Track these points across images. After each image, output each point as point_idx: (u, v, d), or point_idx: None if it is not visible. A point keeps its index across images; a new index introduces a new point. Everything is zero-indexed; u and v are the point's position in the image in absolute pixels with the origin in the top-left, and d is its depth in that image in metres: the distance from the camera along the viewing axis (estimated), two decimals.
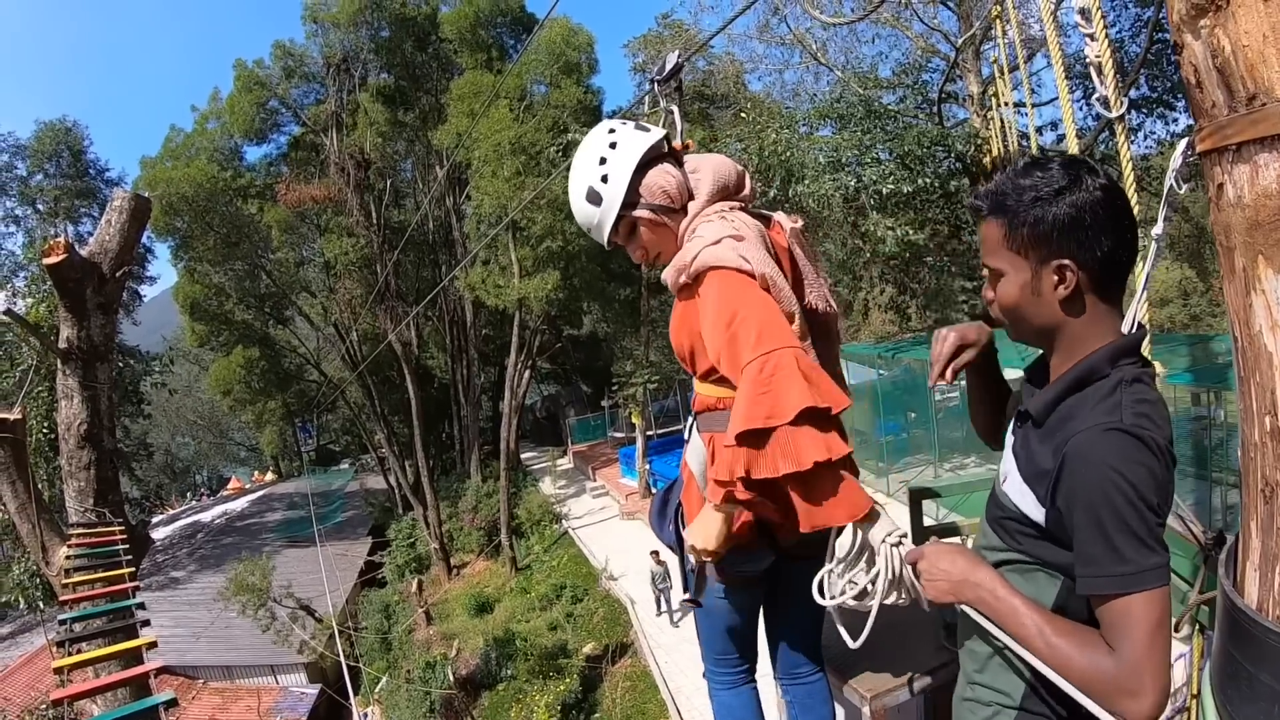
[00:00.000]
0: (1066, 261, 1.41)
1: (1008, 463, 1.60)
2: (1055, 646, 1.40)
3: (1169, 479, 1.33)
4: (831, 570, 1.88)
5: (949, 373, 1.86)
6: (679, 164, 2.17)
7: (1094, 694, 1.34)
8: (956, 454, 15.64)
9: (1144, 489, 1.29)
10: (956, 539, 2.94)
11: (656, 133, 2.13)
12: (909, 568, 1.72)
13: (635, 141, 2.09)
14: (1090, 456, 1.33)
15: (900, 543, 1.75)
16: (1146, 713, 1.29)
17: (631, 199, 2.11)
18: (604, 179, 2.11)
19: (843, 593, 1.82)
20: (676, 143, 2.23)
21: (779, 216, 2.20)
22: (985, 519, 1.71)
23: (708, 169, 2.14)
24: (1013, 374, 1.94)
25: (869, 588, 1.78)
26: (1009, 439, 1.64)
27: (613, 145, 2.10)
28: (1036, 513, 1.48)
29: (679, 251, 2.06)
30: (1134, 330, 1.55)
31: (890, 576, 1.74)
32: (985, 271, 1.57)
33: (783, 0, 18.79)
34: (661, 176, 2.11)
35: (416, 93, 27.22)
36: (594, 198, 2.15)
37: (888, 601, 1.77)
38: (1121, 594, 1.31)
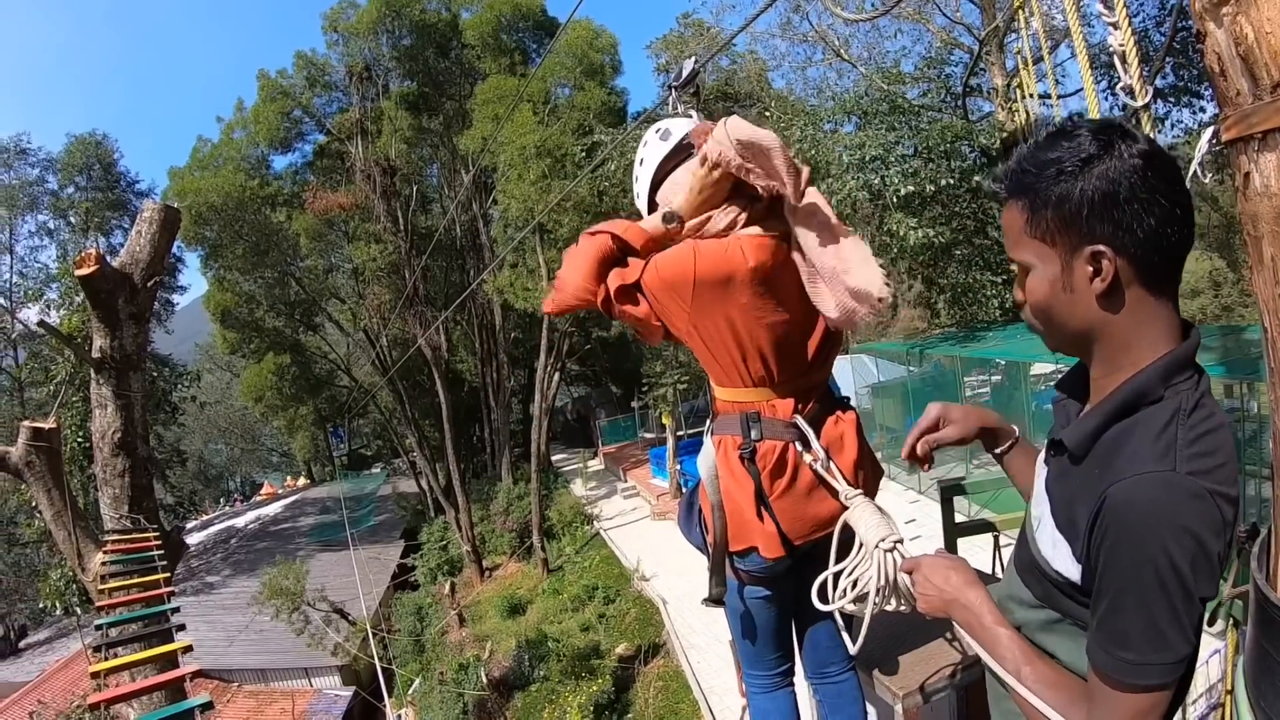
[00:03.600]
0: (1102, 247, 1.15)
1: (1039, 504, 1.37)
2: (1030, 688, 1.28)
3: (1225, 539, 1.10)
4: (834, 573, 1.85)
5: (918, 449, 1.71)
6: None
7: None
8: (986, 452, 15.51)
9: (1186, 566, 1.07)
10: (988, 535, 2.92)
11: (675, 137, 2.23)
12: (905, 576, 1.68)
13: (653, 154, 2.25)
14: (1129, 516, 1.11)
15: (894, 548, 1.73)
16: None
17: (652, 207, 2.26)
18: (637, 195, 2.34)
19: (842, 596, 1.79)
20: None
21: None
22: (1013, 564, 1.50)
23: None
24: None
25: (866, 592, 1.75)
26: (1040, 469, 1.42)
27: (641, 161, 2.28)
28: (1072, 569, 1.26)
29: None
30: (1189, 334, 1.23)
31: (882, 582, 1.72)
32: (1013, 267, 1.32)
33: None
34: (671, 186, 2.20)
35: (440, 99, 27.28)
36: (634, 198, 2.37)
37: (888, 609, 1.74)
38: (1116, 680, 1.15)
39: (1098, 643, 1.17)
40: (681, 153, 2.20)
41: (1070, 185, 1.15)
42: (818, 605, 1.82)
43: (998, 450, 1.76)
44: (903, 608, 1.74)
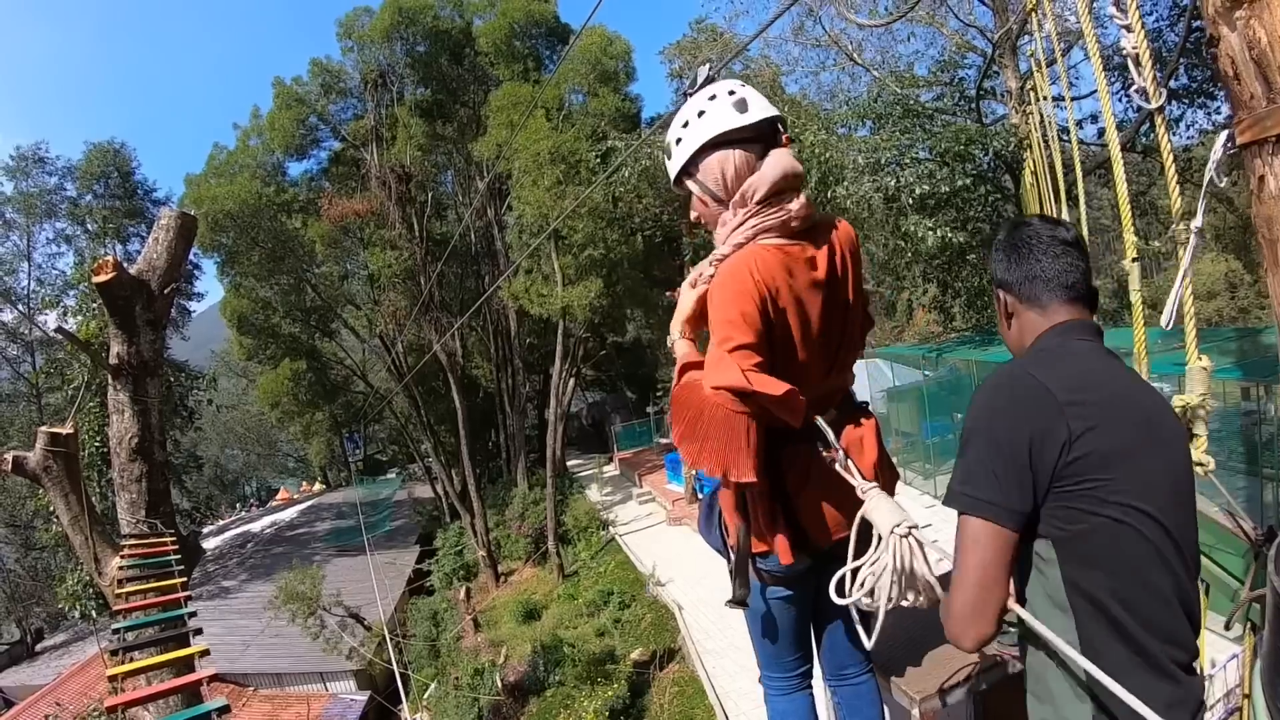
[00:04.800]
0: (998, 288, 1.78)
1: None
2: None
3: (1047, 414, 1.47)
4: (853, 568, 1.85)
5: None
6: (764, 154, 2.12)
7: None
8: None
9: (993, 420, 1.53)
10: None
11: (749, 117, 2.08)
12: (921, 560, 1.71)
13: (718, 121, 2.08)
14: (976, 391, 1.63)
15: (909, 533, 1.73)
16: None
17: (690, 170, 2.16)
18: (678, 140, 2.16)
19: (859, 589, 1.79)
20: (786, 136, 2.18)
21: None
22: None
23: (769, 174, 2.07)
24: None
25: (879, 585, 1.75)
26: None
27: (700, 114, 2.11)
28: None
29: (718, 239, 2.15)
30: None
31: (899, 569, 1.71)
32: None
33: (817, 2, 18.69)
34: (723, 163, 2.10)
35: (454, 105, 27.39)
36: (668, 151, 2.22)
37: (904, 603, 1.74)
38: (955, 506, 1.54)
39: (949, 487, 1.59)
40: (746, 135, 2.09)
41: (993, 253, 1.81)
42: (835, 599, 1.82)
43: None
44: (920, 601, 1.74)
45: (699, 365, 1.94)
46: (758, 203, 2.06)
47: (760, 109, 2.08)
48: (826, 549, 2.18)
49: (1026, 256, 1.71)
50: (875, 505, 1.83)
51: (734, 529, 2.24)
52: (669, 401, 1.97)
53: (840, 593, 1.82)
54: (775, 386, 1.83)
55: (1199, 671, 1.55)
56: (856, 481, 1.96)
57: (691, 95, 2.24)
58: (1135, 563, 1.45)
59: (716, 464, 1.88)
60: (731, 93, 2.10)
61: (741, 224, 2.08)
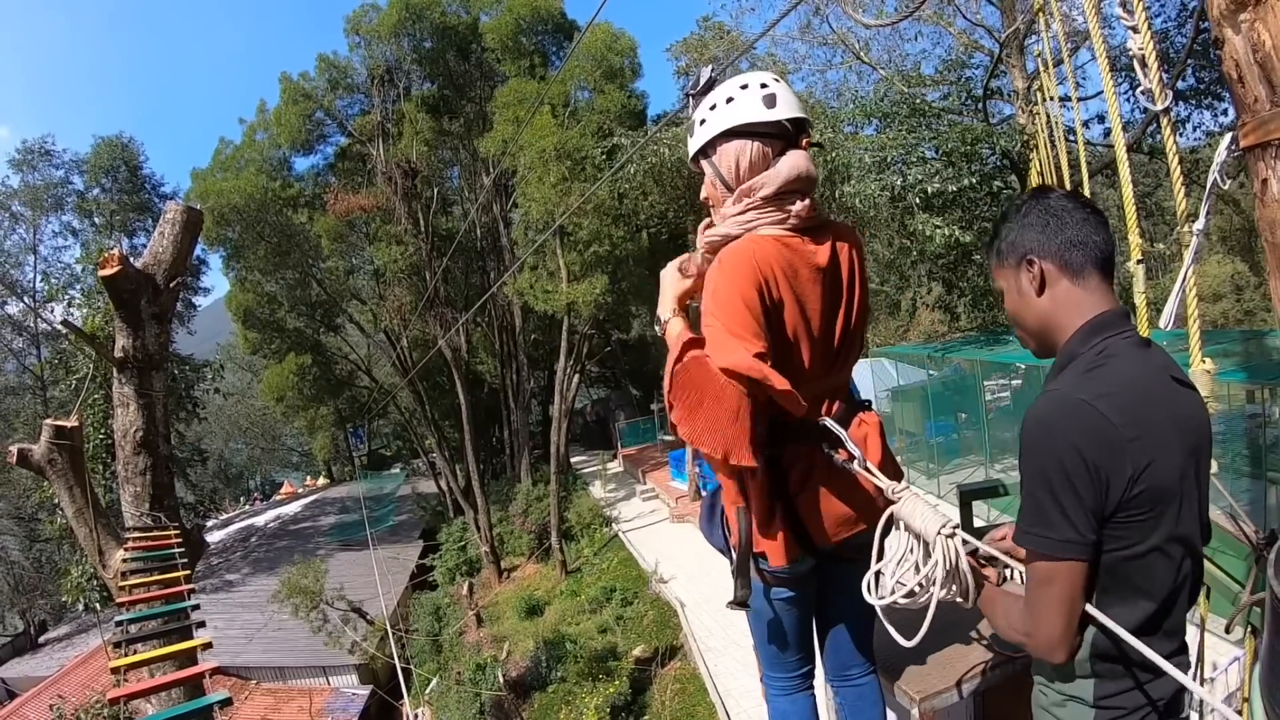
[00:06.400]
0: (1027, 254, 1.65)
1: None
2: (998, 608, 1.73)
3: (1104, 444, 1.44)
4: (880, 569, 1.85)
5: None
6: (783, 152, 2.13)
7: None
8: (1008, 455, 15.40)
9: (1061, 458, 1.45)
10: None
11: (775, 114, 2.08)
12: (965, 559, 1.72)
13: (744, 111, 2.09)
14: (1025, 423, 1.52)
15: (955, 533, 1.73)
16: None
17: (708, 151, 2.18)
18: (703, 121, 2.17)
19: (893, 591, 1.80)
20: (806, 140, 2.17)
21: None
22: None
23: (781, 174, 2.08)
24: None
25: (923, 583, 1.76)
26: None
27: (729, 100, 2.12)
28: None
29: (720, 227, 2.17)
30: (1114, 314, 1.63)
31: (949, 568, 1.73)
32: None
33: (824, 1, 18.68)
34: (740, 152, 2.12)
35: (460, 101, 27.39)
36: (691, 129, 2.24)
37: (942, 595, 1.75)
38: (1029, 551, 1.54)
39: (1018, 525, 1.57)
40: (769, 130, 2.11)
41: (1010, 227, 1.70)
42: (869, 600, 1.83)
43: None
44: (956, 596, 1.76)
45: (700, 344, 1.94)
46: (762, 199, 2.07)
47: (788, 108, 2.09)
48: (829, 549, 2.18)
49: (1066, 223, 1.62)
50: (911, 507, 1.83)
51: (736, 528, 2.24)
52: (667, 379, 1.94)
53: (870, 592, 1.84)
54: (780, 380, 1.84)
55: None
56: (884, 483, 1.96)
57: (694, 96, 2.24)
58: (1165, 590, 1.54)
59: (718, 444, 1.88)
60: (764, 85, 2.10)
61: (739, 215, 2.11)
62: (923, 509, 1.81)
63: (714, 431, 1.88)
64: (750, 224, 2.08)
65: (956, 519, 1.82)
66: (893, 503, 1.89)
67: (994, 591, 1.78)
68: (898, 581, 1.80)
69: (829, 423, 2.08)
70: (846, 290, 2.18)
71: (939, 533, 1.73)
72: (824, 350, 2.15)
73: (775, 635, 2.46)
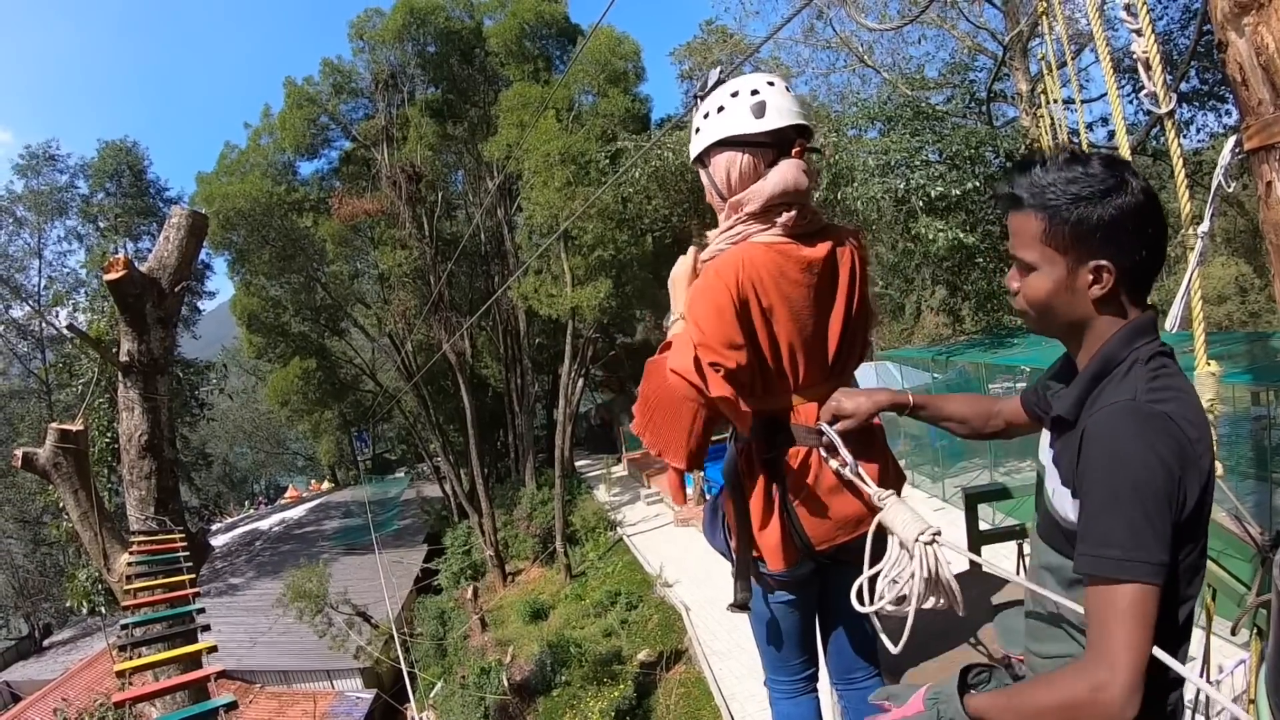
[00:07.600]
0: (1105, 262, 1.41)
1: (1050, 478, 1.55)
2: (1025, 701, 1.39)
3: (1183, 459, 1.30)
4: (870, 576, 1.85)
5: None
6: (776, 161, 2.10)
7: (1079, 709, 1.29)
8: (1011, 457, 15.38)
9: (1151, 472, 1.28)
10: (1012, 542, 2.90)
11: (763, 125, 2.05)
12: (945, 566, 1.71)
13: (731, 123, 2.07)
14: (1102, 435, 1.34)
15: (934, 541, 1.73)
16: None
17: (704, 159, 2.17)
18: (697, 130, 2.17)
19: (882, 597, 1.79)
20: (798, 148, 2.12)
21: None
22: (1037, 534, 1.66)
23: (766, 189, 2.06)
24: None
25: (907, 591, 1.75)
26: (1048, 451, 1.59)
27: (720, 109, 2.10)
28: (1075, 513, 1.41)
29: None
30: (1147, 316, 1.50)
31: (926, 575, 1.72)
32: (1014, 261, 1.55)
33: (828, 4, 18.68)
34: (730, 164, 2.10)
35: (465, 106, 27.43)
36: (692, 132, 2.22)
37: (926, 606, 1.74)
38: (1106, 577, 1.30)
39: (1086, 549, 1.34)
40: (760, 140, 2.07)
41: (1089, 210, 1.40)
42: (858, 608, 1.81)
43: (904, 414, 2.17)
44: (943, 604, 1.75)
45: None
46: (749, 214, 2.08)
47: (777, 117, 2.05)
48: (830, 553, 2.18)
49: (1155, 242, 1.43)
50: (895, 513, 1.83)
51: (737, 532, 2.24)
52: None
53: (860, 600, 1.82)
54: (718, 386, 1.88)
55: None
56: (871, 489, 1.96)
57: (703, 98, 2.24)
58: (1190, 600, 1.47)
59: (655, 441, 1.96)
60: (755, 93, 2.07)
61: (729, 230, 2.13)
62: (905, 515, 1.80)
63: (654, 429, 1.96)
64: (738, 237, 2.09)
65: (938, 526, 1.79)
66: (879, 509, 1.89)
67: (1002, 693, 1.50)
68: (888, 586, 1.79)
69: (825, 427, 2.08)
70: (845, 294, 2.16)
71: (917, 539, 1.73)
72: (821, 354, 2.15)
73: (776, 638, 2.47)
